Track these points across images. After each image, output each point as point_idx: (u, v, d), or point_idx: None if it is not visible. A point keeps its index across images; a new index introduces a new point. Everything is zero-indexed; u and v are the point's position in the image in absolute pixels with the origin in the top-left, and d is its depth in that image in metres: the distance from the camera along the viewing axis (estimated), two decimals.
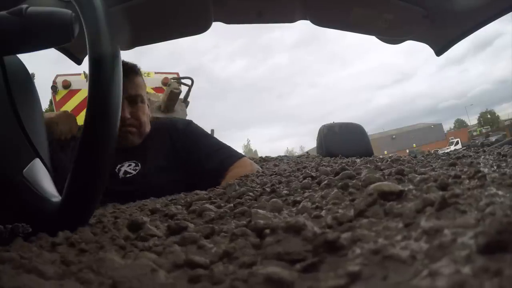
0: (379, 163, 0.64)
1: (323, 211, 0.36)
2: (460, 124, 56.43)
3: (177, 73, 3.71)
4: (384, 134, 47.29)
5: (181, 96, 2.43)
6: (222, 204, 0.49)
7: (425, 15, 1.33)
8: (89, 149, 0.41)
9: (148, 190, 0.88)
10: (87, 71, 0.57)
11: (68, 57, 1.39)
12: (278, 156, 1.78)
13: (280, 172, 0.82)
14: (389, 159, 0.73)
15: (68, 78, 3.42)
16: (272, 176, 0.74)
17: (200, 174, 1.03)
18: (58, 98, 3.41)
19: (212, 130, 2.65)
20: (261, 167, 1.11)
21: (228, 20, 1.41)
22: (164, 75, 3.59)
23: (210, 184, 0.78)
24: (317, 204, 0.39)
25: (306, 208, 0.38)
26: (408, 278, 0.17)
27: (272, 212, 0.38)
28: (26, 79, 0.53)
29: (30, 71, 0.55)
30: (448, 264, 0.17)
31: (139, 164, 1.04)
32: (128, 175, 1.02)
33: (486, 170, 0.42)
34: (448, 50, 1.51)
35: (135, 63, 1.15)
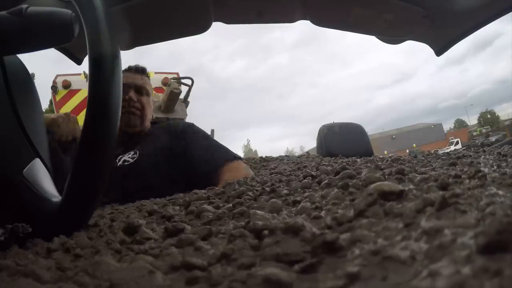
0: (380, 163, 0.64)
1: (323, 211, 0.36)
2: (460, 124, 56.41)
3: (177, 73, 3.71)
4: (384, 134, 47.27)
5: (181, 96, 2.43)
6: (221, 205, 0.49)
7: (425, 15, 1.33)
8: (89, 149, 0.41)
9: (143, 178, 0.98)
10: (87, 71, 0.57)
11: (68, 57, 1.39)
12: (279, 156, 1.78)
13: (280, 171, 0.82)
14: (390, 159, 0.73)
15: (68, 78, 3.42)
16: (273, 175, 0.74)
17: (193, 173, 1.05)
18: (58, 98, 3.41)
19: (212, 130, 2.65)
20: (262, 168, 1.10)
21: (228, 20, 1.41)
22: (164, 75, 3.59)
23: (204, 183, 0.79)
24: (317, 204, 0.39)
25: (305, 209, 0.38)
26: (408, 279, 0.17)
27: (271, 213, 0.38)
28: (26, 79, 0.53)
29: (30, 71, 0.55)
30: (448, 265, 0.17)
31: (137, 153, 1.10)
32: (126, 163, 1.07)
33: (486, 170, 0.42)
34: (448, 50, 1.51)
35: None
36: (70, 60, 1.41)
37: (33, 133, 0.47)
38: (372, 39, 1.60)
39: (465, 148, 1.70)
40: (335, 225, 0.30)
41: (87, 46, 0.41)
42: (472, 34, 1.39)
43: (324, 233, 0.24)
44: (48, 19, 0.43)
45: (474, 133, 38.13)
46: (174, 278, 0.24)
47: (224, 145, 1.14)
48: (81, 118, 0.52)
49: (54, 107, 3.47)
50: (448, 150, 1.26)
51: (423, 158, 0.84)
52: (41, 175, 0.46)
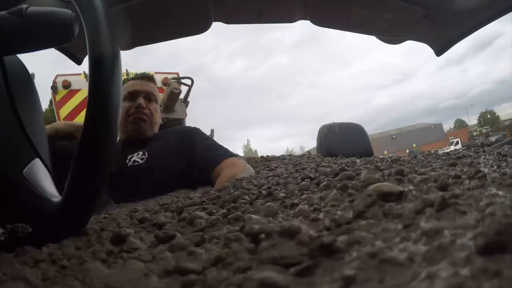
0: (379, 164, 0.64)
1: (321, 213, 0.36)
2: (460, 124, 56.37)
3: (177, 73, 3.71)
4: (384, 134, 47.22)
5: (181, 96, 2.43)
6: (214, 210, 0.47)
7: (425, 15, 1.33)
8: (89, 149, 0.41)
9: (153, 178, 1.04)
10: (87, 71, 0.57)
11: (68, 57, 1.39)
12: (281, 155, 1.77)
13: (278, 173, 0.81)
14: (389, 159, 0.73)
15: (68, 78, 3.42)
16: (270, 178, 0.73)
17: (195, 169, 1.10)
18: (58, 98, 3.41)
19: (212, 130, 2.65)
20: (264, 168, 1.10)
21: (228, 20, 1.41)
22: (164, 75, 3.59)
23: (205, 180, 0.85)
24: (315, 206, 0.38)
25: (303, 211, 0.37)
26: (406, 281, 0.17)
27: (266, 217, 0.37)
28: (26, 79, 0.53)
29: (30, 71, 0.55)
30: (447, 266, 0.17)
31: (146, 153, 1.14)
32: (135, 163, 1.11)
33: (486, 170, 0.41)
34: (448, 50, 1.51)
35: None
36: (70, 60, 1.41)
37: (33, 133, 0.47)
38: (372, 39, 1.60)
39: (465, 148, 1.70)
40: (334, 227, 0.29)
41: (87, 46, 0.41)
42: (472, 34, 1.39)
43: (321, 236, 0.24)
44: (48, 19, 0.43)
45: (474, 133, 38.10)
46: (169, 282, 0.24)
47: (224, 146, 1.19)
48: (81, 118, 0.51)
49: (54, 107, 3.47)
50: (448, 150, 1.26)
51: (423, 158, 0.84)
52: (41, 175, 0.46)
